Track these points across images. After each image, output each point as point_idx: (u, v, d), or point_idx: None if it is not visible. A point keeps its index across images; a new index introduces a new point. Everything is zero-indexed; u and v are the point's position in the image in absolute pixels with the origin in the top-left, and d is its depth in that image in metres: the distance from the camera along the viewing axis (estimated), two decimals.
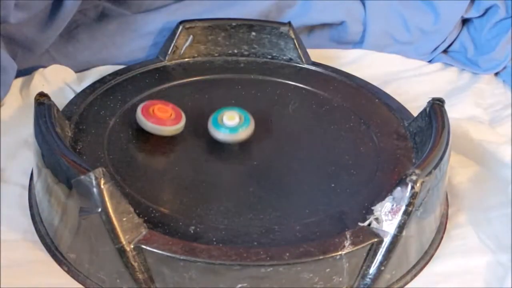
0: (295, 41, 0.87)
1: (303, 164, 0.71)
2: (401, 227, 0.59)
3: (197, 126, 0.74)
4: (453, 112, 0.85)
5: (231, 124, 0.70)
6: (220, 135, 0.70)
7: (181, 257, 0.56)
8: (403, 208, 0.59)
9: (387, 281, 0.62)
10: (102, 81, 0.80)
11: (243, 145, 0.73)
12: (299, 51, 0.87)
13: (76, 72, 0.88)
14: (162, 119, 0.71)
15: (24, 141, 0.76)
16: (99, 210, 0.56)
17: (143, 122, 0.70)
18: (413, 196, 0.59)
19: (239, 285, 0.57)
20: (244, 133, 0.71)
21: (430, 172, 0.62)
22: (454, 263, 0.67)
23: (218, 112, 0.71)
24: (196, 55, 0.87)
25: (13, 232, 0.66)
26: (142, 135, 0.73)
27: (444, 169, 0.66)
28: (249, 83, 0.84)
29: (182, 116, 0.72)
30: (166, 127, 0.71)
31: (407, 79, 0.96)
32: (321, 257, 0.57)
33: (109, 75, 0.81)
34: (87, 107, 0.75)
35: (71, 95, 0.80)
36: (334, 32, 1.01)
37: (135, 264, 0.57)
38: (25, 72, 0.86)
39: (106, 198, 0.56)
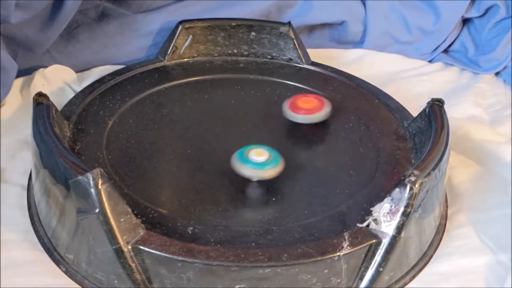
0: (295, 41, 0.87)
1: (302, 164, 0.71)
2: (399, 228, 0.59)
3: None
4: (454, 112, 0.85)
5: (259, 160, 0.66)
6: (247, 170, 0.66)
7: (179, 258, 0.56)
8: (401, 209, 0.59)
9: (386, 282, 0.62)
10: (101, 81, 0.80)
11: (242, 145, 0.73)
12: (299, 51, 0.87)
13: (76, 72, 0.88)
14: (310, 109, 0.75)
15: (24, 141, 0.76)
16: (97, 210, 0.56)
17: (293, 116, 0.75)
18: (412, 197, 0.59)
19: (237, 286, 0.57)
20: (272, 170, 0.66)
21: (429, 173, 0.61)
22: (454, 263, 0.67)
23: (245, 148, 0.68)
24: (195, 55, 0.87)
25: (13, 233, 0.66)
26: (142, 135, 0.73)
27: (444, 169, 0.66)
28: (249, 83, 0.84)
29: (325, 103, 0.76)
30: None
31: (407, 79, 0.96)
32: (319, 258, 0.57)
33: (108, 75, 0.81)
34: (86, 107, 0.75)
35: (72, 95, 0.80)
36: (334, 32, 1.01)
37: (133, 265, 0.57)
38: (26, 72, 0.87)
39: (104, 199, 0.56)
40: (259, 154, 0.66)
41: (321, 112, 0.75)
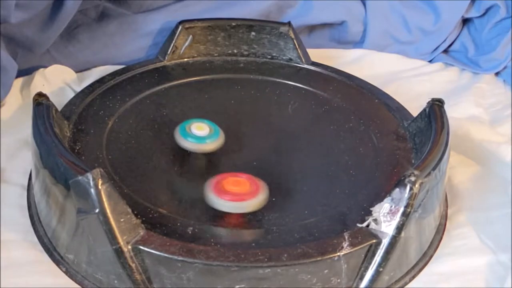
0: (295, 41, 0.87)
1: (302, 165, 0.71)
2: (399, 228, 0.59)
3: None
4: (454, 112, 0.85)
5: (200, 134, 0.69)
6: (187, 144, 0.68)
7: (179, 258, 0.56)
8: (401, 209, 0.59)
9: (386, 282, 0.62)
10: (101, 81, 0.80)
11: (242, 145, 0.73)
12: (299, 51, 0.87)
13: (76, 72, 0.88)
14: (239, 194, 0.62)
15: (24, 141, 0.76)
16: (97, 211, 0.56)
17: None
18: (412, 197, 0.59)
19: (237, 286, 0.57)
20: (212, 144, 0.69)
21: (429, 173, 0.61)
22: (454, 263, 0.67)
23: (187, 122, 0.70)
24: (195, 55, 0.87)
25: (13, 232, 0.66)
26: (142, 135, 0.73)
27: (443, 169, 0.66)
28: (248, 83, 0.84)
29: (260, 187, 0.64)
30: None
31: (407, 79, 0.96)
32: (319, 258, 0.57)
33: (108, 75, 0.81)
34: (86, 107, 0.75)
35: (72, 95, 0.80)
36: (334, 32, 1.01)
37: (133, 265, 0.57)
38: (26, 72, 0.87)
39: (104, 199, 0.56)
40: (199, 128, 0.68)
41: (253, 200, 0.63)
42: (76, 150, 0.69)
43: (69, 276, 0.61)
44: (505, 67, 0.97)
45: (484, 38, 0.97)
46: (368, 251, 0.60)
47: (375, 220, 0.60)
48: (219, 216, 0.62)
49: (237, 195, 0.61)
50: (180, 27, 0.85)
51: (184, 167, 0.70)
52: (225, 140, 0.70)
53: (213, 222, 0.62)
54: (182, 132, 0.69)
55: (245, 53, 0.88)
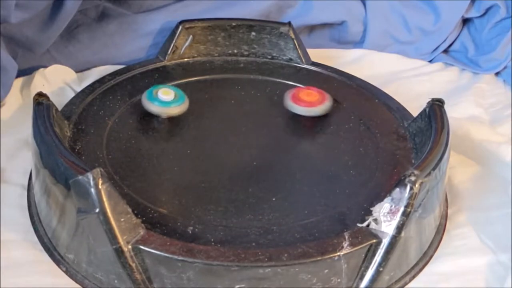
0: (295, 41, 0.87)
1: (302, 165, 0.71)
2: (399, 228, 0.59)
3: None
4: (454, 112, 0.85)
5: (165, 99, 0.74)
6: (153, 107, 0.74)
7: (179, 258, 0.56)
8: (401, 209, 0.59)
9: (386, 282, 0.62)
10: (101, 81, 0.80)
11: (242, 145, 0.73)
12: (299, 51, 0.87)
13: (76, 72, 0.88)
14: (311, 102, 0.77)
15: (24, 141, 0.76)
16: (97, 210, 0.56)
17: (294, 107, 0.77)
18: (412, 197, 0.59)
19: (237, 286, 0.57)
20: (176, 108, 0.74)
21: (429, 173, 0.61)
22: (454, 263, 0.67)
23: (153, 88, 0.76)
24: (196, 55, 0.87)
25: (13, 232, 0.66)
26: (142, 135, 0.73)
27: (444, 169, 0.66)
28: (249, 83, 0.84)
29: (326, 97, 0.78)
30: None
31: (407, 79, 0.96)
32: (319, 258, 0.57)
33: (108, 75, 0.81)
34: (86, 107, 0.75)
35: (72, 95, 0.80)
36: (334, 32, 1.01)
37: (133, 265, 0.57)
38: (26, 72, 0.87)
39: (104, 199, 0.56)
40: (165, 93, 0.75)
41: (322, 106, 0.77)
42: (76, 150, 0.69)
43: (69, 276, 0.61)
44: (505, 67, 0.97)
45: (484, 38, 0.97)
46: (368, 251, 0.60)
47: (375, 220, 0.60)
48: None
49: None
50: (180, 27, 0.85)
51: (185, 167, 0.70)
52: (224, 139, 0.72)
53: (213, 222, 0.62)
54: (149, 97, 0.74)
55: (245, 53, 0.88)
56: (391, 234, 0.59)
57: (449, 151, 0.68)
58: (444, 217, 0.71)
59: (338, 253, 0.58)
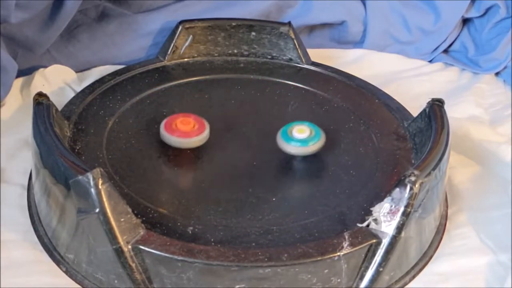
0: (295, 41, 0.87)
1: (302, 165, 0.71)
2: (399, 228, 0.59)
3: None
4: (454, 112, 0.85)
5: (301, 137, 0.70)
6: (290, 148, 0.69)
7: (179, 258, 0.56)
8: (401, 209, 0.59)
9: (386, 282, 0.62)
10: (101, 81, 0.80)
11: (242, 145, 0.73)
12: (299, 51, 0.87)
13: (76, 72, 0.88)
14: (187, 132, 0.69)
15: (24, 141, 0.76)
16: (97, 210, 0.56)
17: (167, 137, 0.69)
18: (412, 197, 0.59)
19: (237, 286, 0.57)
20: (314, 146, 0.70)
21: (429, 173, 0.61)
22: (454, 263, 0.67)
23: (288, 126, 0.71)
24: (196, 55, 0.87)
25: (13, 232, 0.66)
26: (142, 135, 0.73)
27: (444, 169, 0.66)
28: (249, 83, 0.84)
29: (205, 126, 0.71)
30: (191, 139, 0.70)
31: (407, 79, 0.96)
32: (319, 258, 0.57)
33: (108, 75, 0.81)
34: (86, 107, 0.75)
35: (72, 95, 0.80)
36: (334, 32, 1.01)
37: (133, 265, 0.57)
38: (26, 72, 0.87)
39: (104, 199, 0.56)
40: (301, 131, 0.69)
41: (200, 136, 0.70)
42: (76, 150, 0.69)
43: (69, 276, 0.61)
44: (505, 67, 0.97)
45: (484, 38, 0.97)
46: (368, 251, 0.60)
47: (375, 220, 0.60)
48: None
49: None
50: (180, 27, 0.85)
51: (185, 166, 0.70)
52: (224, 139, 0.72)
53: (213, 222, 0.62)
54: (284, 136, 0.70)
55: (245, 53, 0.88)
56: (391, 234, 0.59)
57: (449, 151, 0.68)
58: (444, 217, 0.71)
59: (338, 253, 0.58)
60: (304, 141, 0.69)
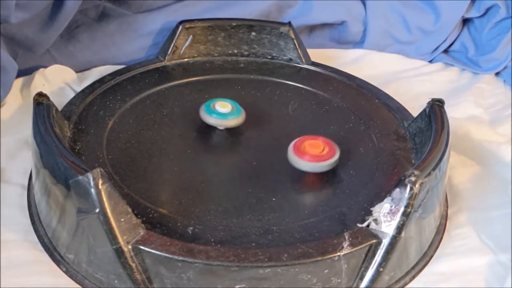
0: (295, 41, 0.87)
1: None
2: (399, 228, 0.59)
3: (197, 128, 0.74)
4: (454, 112, 0.85)
5: (223, 111, 0.73)
6: (211, 119, 0.73)
7: (179, 258, 0.56)
8: (402, 209, 0.59)
9: (386, 282, 0.62)
10: (101, 81, 0.80)
11: (242, 146, 0.73)
12: (299, 51, 0.87)
13: (76, 72, 0.88)
14: (317, 155, 0.68)
15: (24, 141, 0.76)
16: (97, 210, 0.56)
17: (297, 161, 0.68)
18: (412, 197, 0.59)
19: (237, 286, 0.57)
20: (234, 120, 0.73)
21: (429, 173, 0.61)
22: (454, 263, 0.67)
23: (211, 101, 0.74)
24: (196, 55, 0.87)
25: (13, 232, 0.66)
26: (142, 135, 0.73)
27: (444, 169, 0.66)
28: (249, 83, 0.84)
29: (335, 149, 0.69)
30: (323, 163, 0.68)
31: (407, 79, 0.96)
32: (319, 258, 0.57)
33: (108, 75, 0.81)
34: (86, 107, 0.75)
35: (72, 95, 0.80)
36: (334, 32, 1.01)
37: (133, 265, 0.57)
38: (26, 72, 0.87)
39: (104, 199, 0.56)
40: (223, 106, 0.74)
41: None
42: (76, 150, 0.69)
43: (69, 276, 0.61)
44: (505, 67, 0.97)
45: (484, 38, 0.97)
46: (368, 251, 0.60)
47: (375, 220, 0.60)
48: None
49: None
50: (180, 27, 0.85)
51: (185, 166, 0.70)
52: (224, 139, 0.72)
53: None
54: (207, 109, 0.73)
55: (245, 53, 0.88)
56: (391, 234, 0.59)
57: (449, 151, 0.68)
58: (444, 217, 0.71)
59: (338, 253, 0.58)
60: (224, 115, 0.73)
